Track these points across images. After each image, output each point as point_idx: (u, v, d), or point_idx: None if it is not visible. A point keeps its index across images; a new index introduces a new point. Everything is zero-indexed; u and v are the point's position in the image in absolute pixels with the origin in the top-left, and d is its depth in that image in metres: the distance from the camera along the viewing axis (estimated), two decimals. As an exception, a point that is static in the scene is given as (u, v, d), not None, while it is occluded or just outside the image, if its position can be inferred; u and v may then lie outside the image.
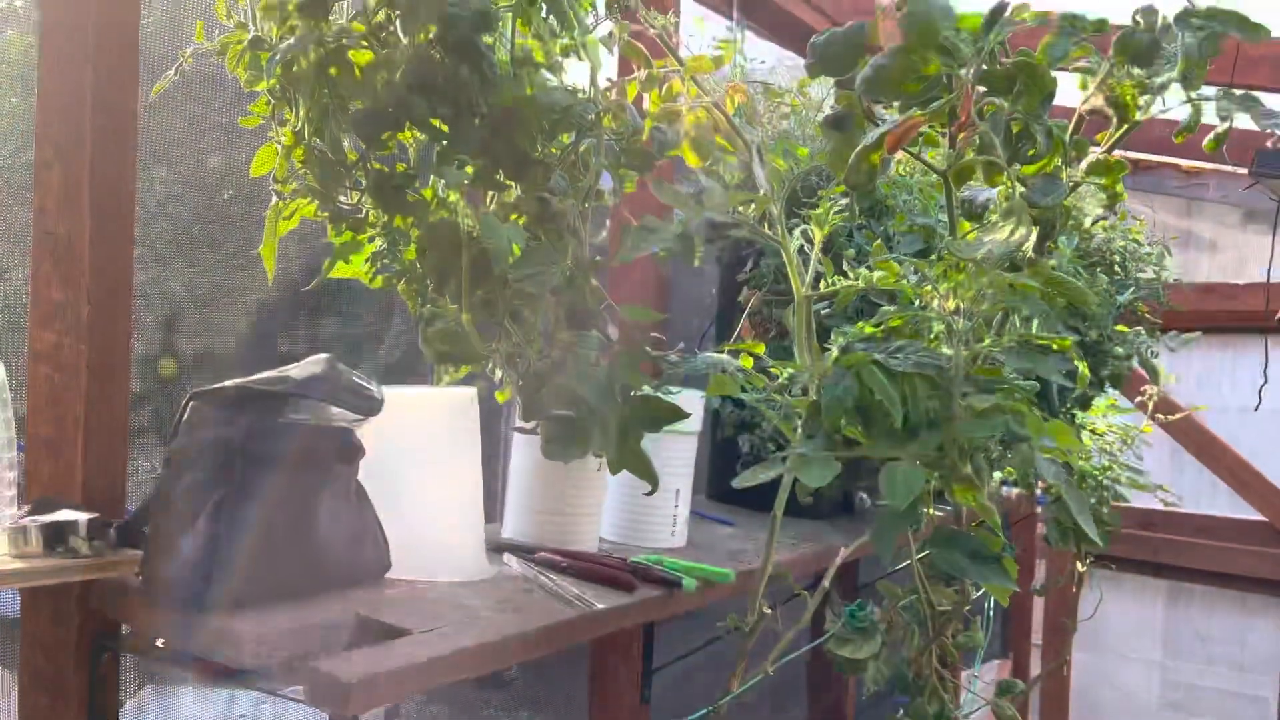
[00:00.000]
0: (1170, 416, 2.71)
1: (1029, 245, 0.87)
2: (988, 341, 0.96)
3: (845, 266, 1.47)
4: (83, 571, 0.90)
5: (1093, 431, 2.48)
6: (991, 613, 2.38)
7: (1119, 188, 0.94)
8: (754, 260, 1.66)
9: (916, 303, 1.05)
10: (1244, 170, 2.76)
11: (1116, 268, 2.21)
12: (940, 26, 0.74)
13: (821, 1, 2.35)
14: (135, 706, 1.42)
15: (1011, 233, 0.77)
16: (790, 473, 0.90)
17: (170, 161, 1.38)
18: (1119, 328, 2.16)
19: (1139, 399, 2.63)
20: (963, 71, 0.78)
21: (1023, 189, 0.85)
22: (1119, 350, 1.99)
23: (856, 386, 0.90)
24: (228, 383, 0.97)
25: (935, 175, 1.06)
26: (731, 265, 1.84)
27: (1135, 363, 2.14)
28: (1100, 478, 2.56)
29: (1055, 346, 0.93)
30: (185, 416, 0.95)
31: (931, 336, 0.98)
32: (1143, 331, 2.08)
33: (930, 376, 0.91)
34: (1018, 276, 0.91)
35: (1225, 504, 4.05)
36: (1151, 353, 2.14)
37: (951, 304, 0.93)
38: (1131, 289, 2.07)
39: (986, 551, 0.93)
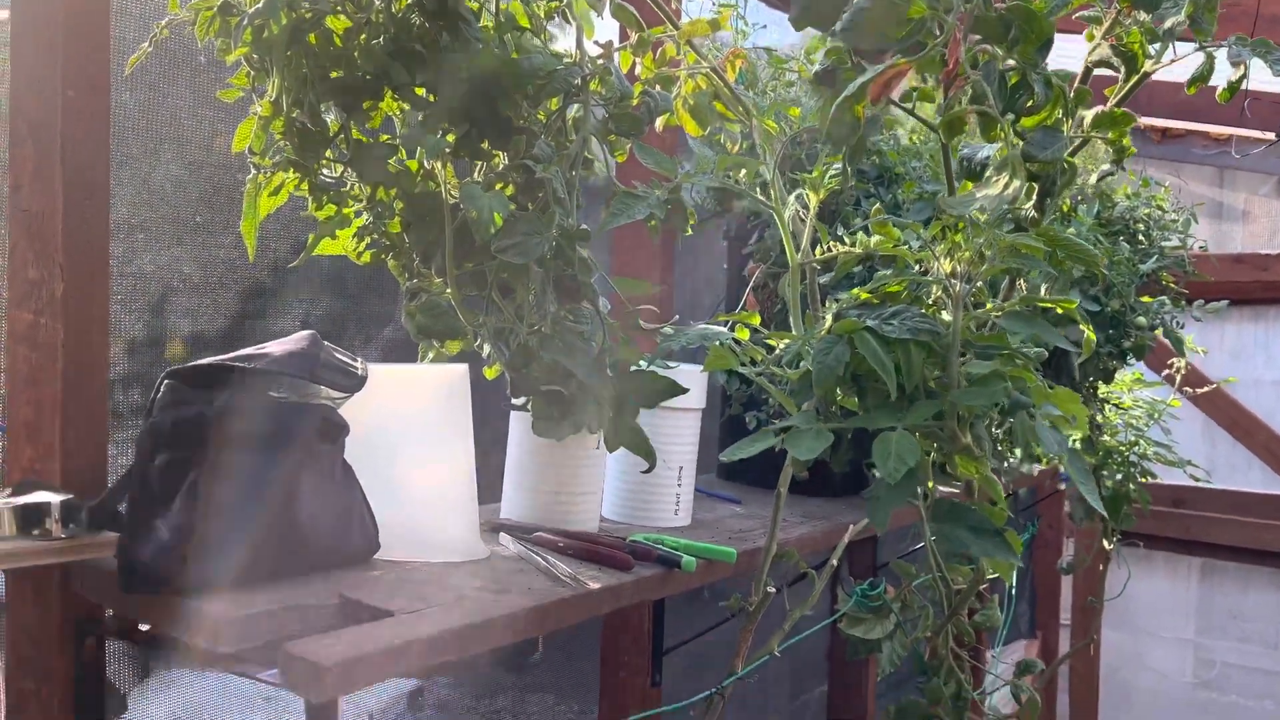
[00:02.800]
0: (1198, 390, 2.63)
1: (1028, 202, 0.82)
2: (989, 306, 0.92)
3: (845, 234, 1.42)
4: (56, 554, 0.88)
5: (1117, 405, 2.42)
6: (1014, 591, 2.33)
7: (1126, 141, 0.89)
8: (759, 233, 1.62)
9: (916, 268, 1.01)
10: (1270, 135, 2.68)
11: (1140, 236, 2.14)
12: (921, -35, 0.70)
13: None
14: (152, 687, 1.41)
15: (1005, 186, 0.73)
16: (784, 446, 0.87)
17: (160, 138, 1.36)
18: (1143, 298, 2.10)
19: (1166, 372, 2.56)
20: (949, 15, 0.73)
21: (1020, 143, 0.81)
22: (1141, 320, 1.93)
23: (849, 354, 0.86)
24: (204, 360, 0.94)
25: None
26: (740, 239, 1.80)
27: (1161, 334, 2.07)
28: (1126, 453, 2.50)
29: (1060, 309, 0.88)
30: (160, 395, 0.92)
31: (930, 302, 0.94)
32: (1167, 301, 2.01)
33: (927, 343, 0.87)
34: (1019, 237, 0.87)
35: (1259, 480, 3.96)
36: (1177, 323, 2.07)
37: (949, 266, 0.88)
38: (1155, 257, 2.00)
39: (989, 525, 0.89)
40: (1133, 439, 2.54)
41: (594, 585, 1.07)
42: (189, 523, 0.89)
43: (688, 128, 1.30)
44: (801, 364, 0.99)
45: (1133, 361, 2.13)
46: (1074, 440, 1.07)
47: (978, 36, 0.78)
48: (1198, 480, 2.68)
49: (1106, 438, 2.47)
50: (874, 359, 0.85)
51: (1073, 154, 0.88)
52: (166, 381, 0.92)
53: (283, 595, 0.92)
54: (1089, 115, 0.89)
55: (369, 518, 1.07)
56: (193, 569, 0.88)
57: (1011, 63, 0.79)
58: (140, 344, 1.30)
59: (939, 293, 0.93)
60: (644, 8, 1.22)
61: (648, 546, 1.20)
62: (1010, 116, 0.79)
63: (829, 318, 0.94)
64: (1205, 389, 2.64)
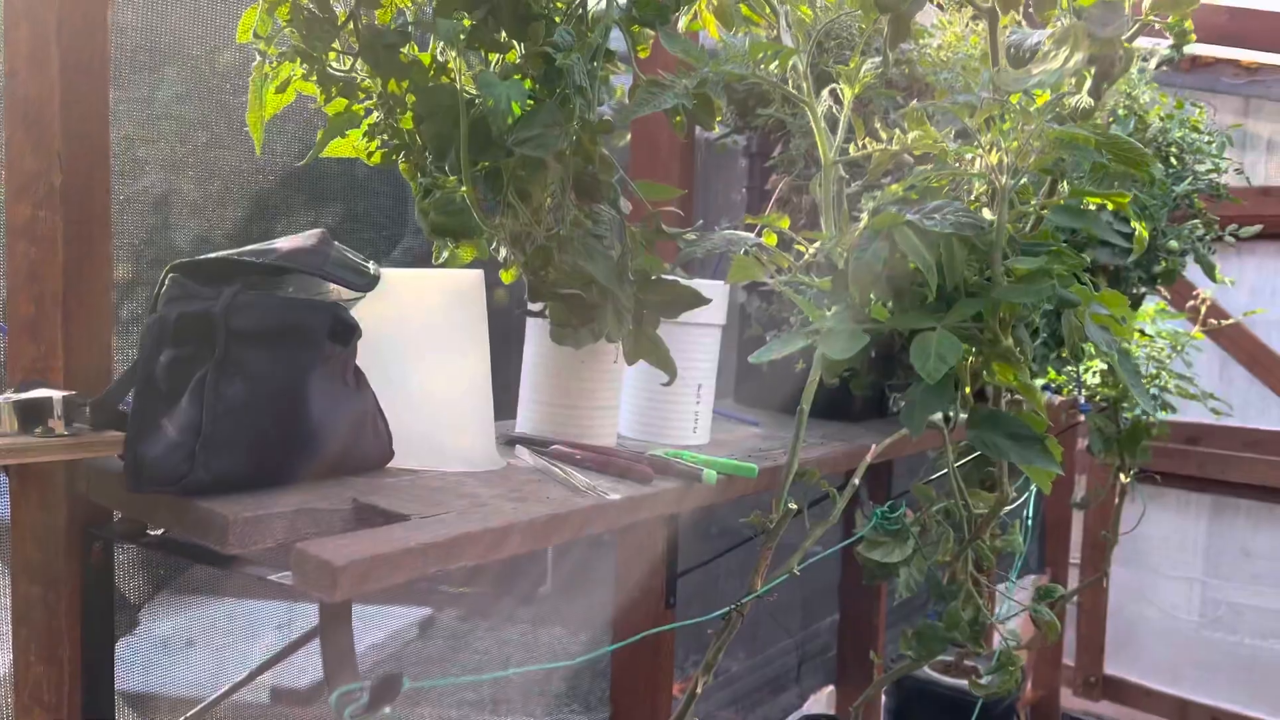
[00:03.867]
0: (1222, 322, 2.58)
1: (1085, 85, 0.77)
2: (1034, 203, 0.87)
3: (882, 130, 1.37)
4: (59, 451, 0.85)
5: (1141, 333, 2.37)
6: (1030, 521, 2.30)
7: (1188, 24, 0.84)
8: (784, 144, 1.56)
9: (957, 165, 0.96)
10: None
11: (1173, 159, 2.07)
12: None
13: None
14: (161, 608, 1.40)
15: (1066, 59, 0.68)
16: (815, 346, 0.83)
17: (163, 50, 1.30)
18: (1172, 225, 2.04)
19: (1190, 303, 2.51)
20: None
21: (1078, 20, 0.75)
22: (1174, 244, 1.87)
23: (887, 250, 0.82)
24: (209, 255, 0.90)
25: (980, 49, 0.95)
26: (762, 154, 1.74)
27: (1190, 259, 2.02)
28: (1148, 385, 2.46)
29: (1111, 205, 0.83)
30: (164, 289, 0.89)
31: (973, 199, 0.89)
32: (1199, 225, 1.96)
33: (970, 239, 0.82)
34: (1069, 127, 0.81)
35: (1277, 418, 3.91)
36: (1210, 249, 2.02)
37: (995, 158, 0.83)
38: (1189, 180, 1.94)
39: (1029, 432, 0.85)
40: (1154, 371, 2.50)
41: (613, 496, 1.04)
42: (196, 420, 0.85)
43: (711, 30, 1.24)
44: (836, 267, 0.94)
45: (1161, 288, 2.08)
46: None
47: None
48: (1219, 415, 2.65)
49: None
50: (915, 255, 0.80)
51: (1131, 39, 0.83)
52: (171, 275, 0.88)
53: (295, 498, 0.89)
54: (1149, -3, 0.83)
55: (383, 424, 1.03)
56: (201, 468, 0.85)
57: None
58: (143, 246, 1.26)
59: (981, 188, 0.88)
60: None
61: (668, 460, 1.16)
62: (1069, -12, 0.74)
63: (867, 214, 0.89)
64: (1229, 322, 2.58)
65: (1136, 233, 0.86)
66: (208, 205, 1.33)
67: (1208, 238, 2.00)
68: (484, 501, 0.97)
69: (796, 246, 1.03)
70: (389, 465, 1.05)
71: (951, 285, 0.83)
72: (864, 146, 0.97)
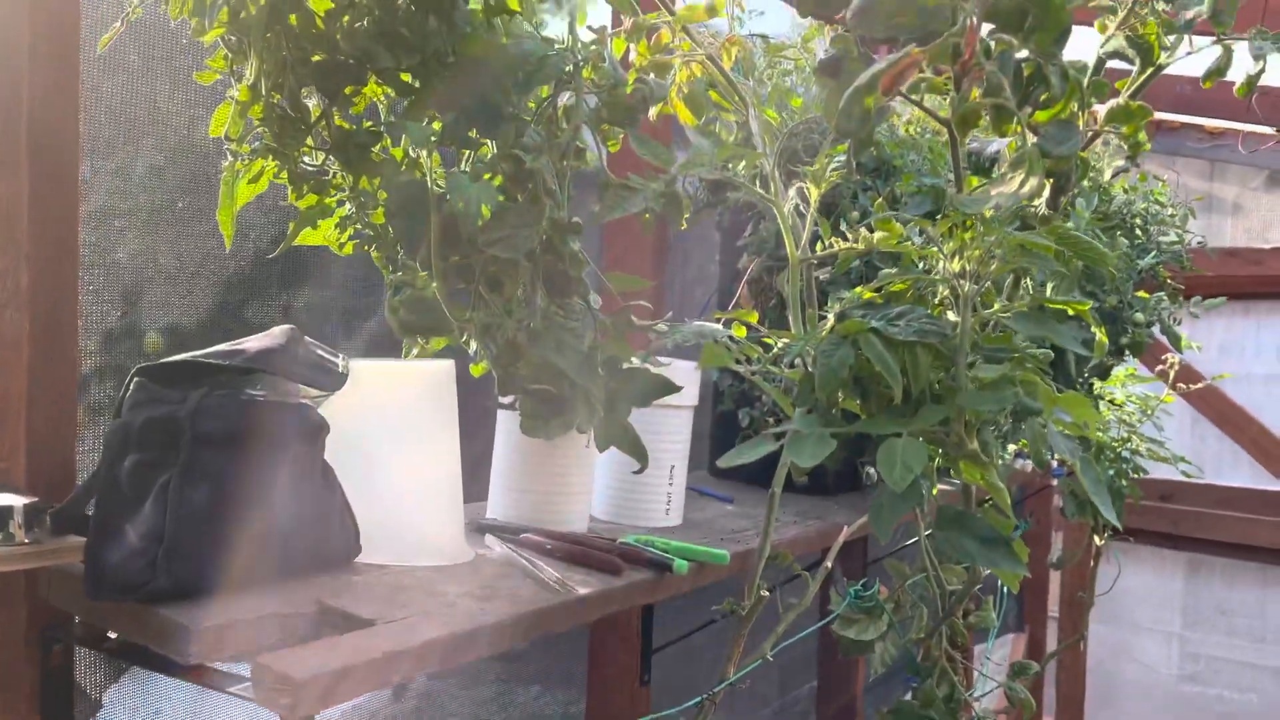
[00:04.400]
0: (1193, 386, 2.62)
1: (1042, 199, 0.79)
2: (997, 307, 0.89)
3: (847, 230, 1.38)
4: (20, 560, 0.84)
5: (1111, 402, 2.39)
6: (1005, 589, 2.31)
7: (1141, 136, 0.86)
8: (754, 224, 1.58)
9: (921, 265, 0.97)
10: (1270, 130, 2.65)
11: (1138, 230, 2.11)
12: (940, -52, 0.66)
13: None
14: (128, 686, 1.37)
15: (1022, 183, 0.69)
16: (784, 451, 0.83)
17: (137, 124, 1.31)
18: (1139, 294, 2.07)
19: (1159, 368, 2.54)
20: (966, 2, 0.70)
21: (1035, 137, 0.77)
22: (1139, 317, 1.90)
23: (853, 356, 0.83)
24: (176, 357, 0.90)
25: (944, 134, 0.98)
26: (733, 231, 1.76)
27: (1157, 330, 2.05)
28: (1119, 449, 2.48)
29: (1071, 311, 0.85)
30: (130, 392, 0.88)
31: (936, 302, 0.91)
32: (1165, 297, 1.99)
33: (934, 345, 0.83)
34: (1029, 235, 0.83)
35: (1248, 474, 3.95)
36: (1174, 320, 2.05)
37: (957, 265, 0.85)
38: (1153, 253, 1.98)
39: (995, 535, 0.86)
40: (1125, 435, 2.52)
41: (583, 590, 1.04)
42: (159, 527, 0.85)
43: (683, 116, 1.26)
44: (801, 363, 0.95)
45: (1130, 358, 2.10)
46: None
47: (992, 25, 0.75)
48: (1189, 476, 2.67)
49: (1100, 433, 2.45)
50: (880, 362, 0.81)
51: (1085, 148, 0.85)
52: (136, 378, 0.88)
53: (258, 603, 0.88)
54: (1103, 109, 0.86)
55: (350, 520, 1.03)
56: (163, 576, 0.84)
57: (1026, 53, 0.76)
58: (114, 335, 1.25)
59: (945, 292, 0.89)
60: (641, -4, 1.18)
61: (638, 549, 1.16)
62: (1025, 110, 0.76)
63: (832, 317, 0.90)
64: (1199, 385, 2.62)
65: (1096, 338, 0.88)
66: (180, 286, 1.32)
67: (1174, 309, 2.03)
68: (451, 601, 0.96)
69: (764, 340, 1.04)
70: (357, 560, 1.04)
71: (917, 390, 0.84)
72: (830, 245, 0.99)
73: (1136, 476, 2.45)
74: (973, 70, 0.71)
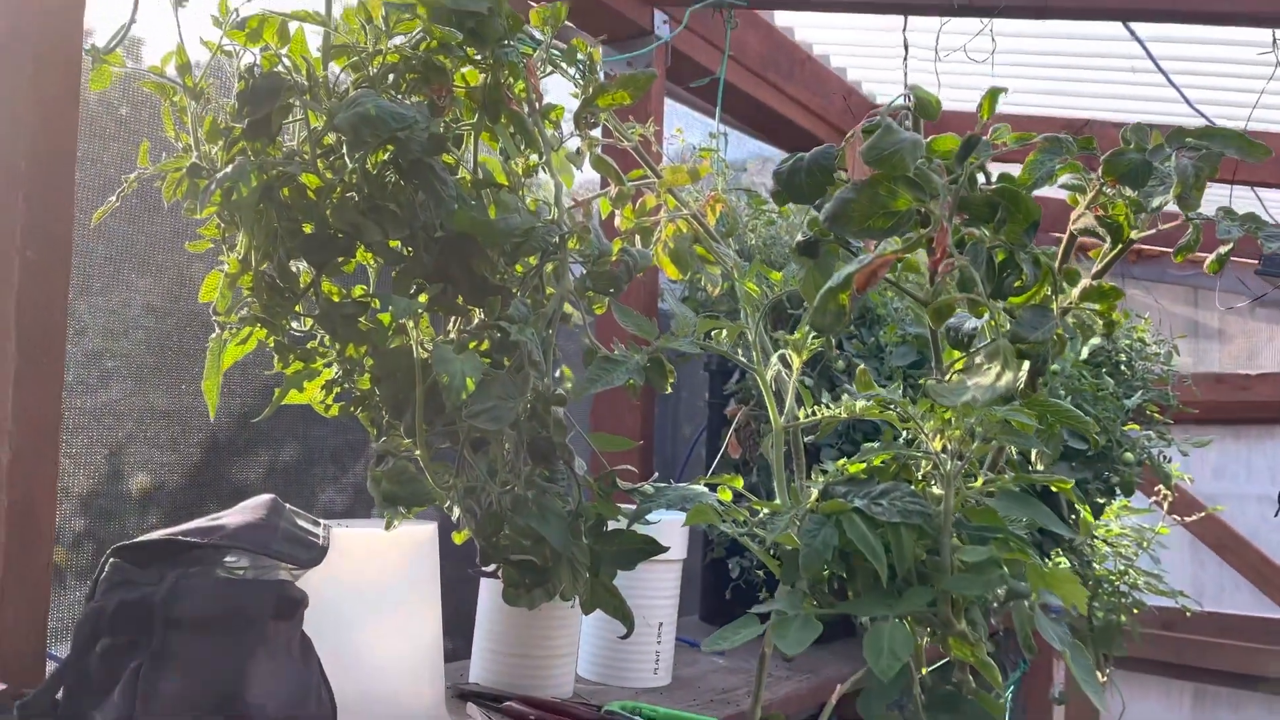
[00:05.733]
0: (1189, 518, 2.60)
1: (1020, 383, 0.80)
2: (980, 483, 0.88)
3: (833, 380, 1.39)
4: (-20, 754, 0.81)
5: (1105, 537, 2.37)
6: (1009, 714, 2.24)
7: (1116, 315, 0.87)
8: (740, 372, 1.59)
9: (904, 434, 0.97)
10: (1250, 261, 2.70)
11: (1123, 367, 2.13)
12: (908, 161, 0.68)
13: (809, 100, 2.33)
14: None
15: (998, 375, 0.70)
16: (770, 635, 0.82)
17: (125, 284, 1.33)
18: (1130, 425, 2.07)
19: (1154, 499, 2.53)
20: (936, 204, 0.72)
21: (1008, 322, 0.79)
22: (1129, 456, 1.90)
23: (837, 537, 0.82)
24: (153, 535, 0.89)
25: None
26: (721, 372, 1.77)
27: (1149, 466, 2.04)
28: (1116, 582, 2.45)
29: (1055, 489, 0.85)
30: (104, 574, 0.87)
31: (920, 477, 0.90)
32: (1153, 435, 1.99)
33: (918, 525, 0.83)
34: (1010, 411, 0.83)
35: (1248, 600, 3.89)
36: (1164, 457, 2.05)
37: (939, 444, 0.85)
38: (1140, 391, 1.99)
39: (987, 717, 0.84)
40: (1122, 568, 2.49)
41: (566, 769, 1.00)
42: (127, 715, 0.82)
43: (668, 272, 1.28)
44: (785, 529, 0.94)
45: (1120, 495, 2.09)
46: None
47: (963, 217, 0.77)
48: (1188, 612, 2.63)
49: (1095, 567, 2.42)
50: (863, 543, 0.81)
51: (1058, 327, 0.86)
52: (112, 560, 0.86)
53: (228, 793, 0.85)
54: (1076, 289, 0.87)
55: (327, 694, 1.00)
56: (129, 768, 0.81)
57: (997, 242, 0.78)
58: (91, 497, 1.24)
59: (928, 467, 0.89)
60: (622, 155, 1.21)
61: (625, 718, 1.13)
62: (998, 301, 0.77)
63: (815, 491, 0.90)
64: (1195, 517, 2.60)
65: (1081, 516, 0.87)
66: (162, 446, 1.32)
67: (1163, 445, 2.03)
68: (429, 786, 0.93)
69: (751, 505, 1.04)
70: (333, 737, 1.01)
71: (903, 570, 0.83)
72: (814, 413, 0.99)
73: (1136, 612, 2.41)
74: (945, 262, 0.72)
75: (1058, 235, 0.98)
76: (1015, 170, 0.90)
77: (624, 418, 1.66)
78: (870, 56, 2.50)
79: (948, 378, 0.93)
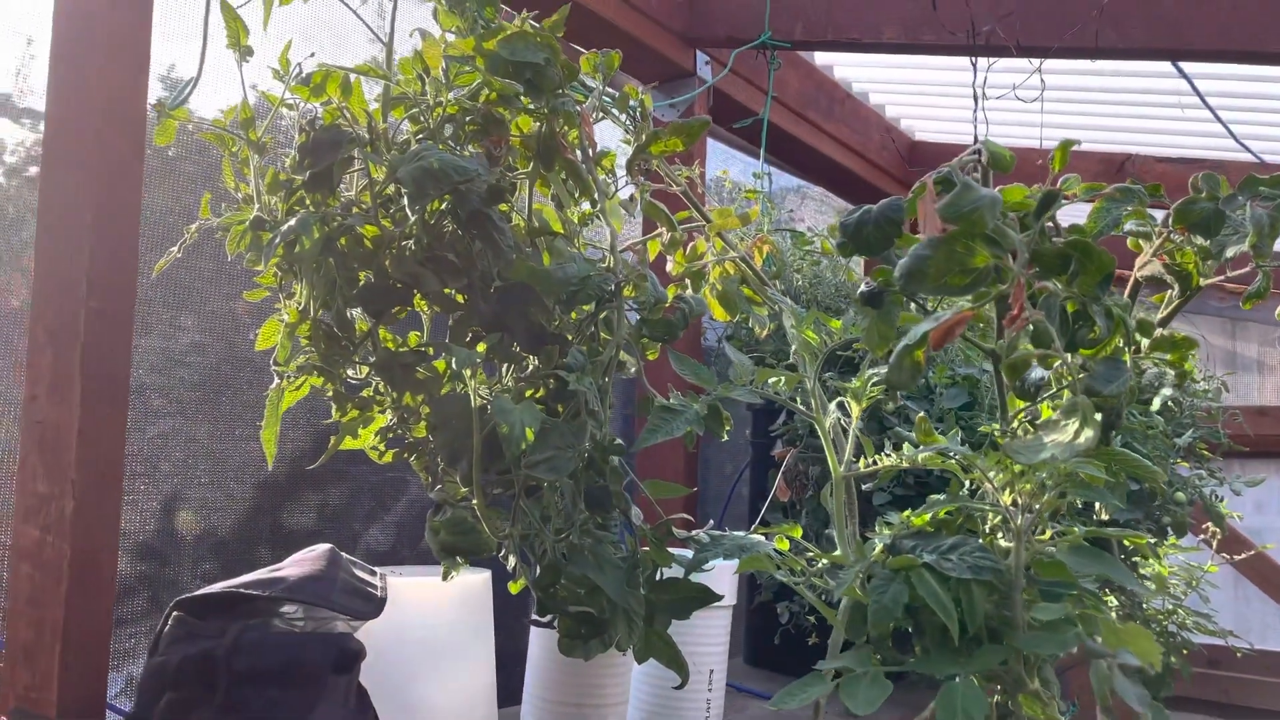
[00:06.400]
0: (1238, 556, 2.55)
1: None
2: (1048, 535, 0.87)
3: (882, 422, 1.37)
4: (45, 810, 0.81)
5: (1156, 578, 2.33)
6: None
7: (1188, 365, 0.86)
8: (787, 413, 1.58)
9: (967, 484, 0.96)
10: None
11: (1170, 403, 2.10)
12: (988, 219, 0.67)
13: (849, 138, 2.33)
14: None
15: (1077, 434, 0.69)
16: (839, 696, 0.80)
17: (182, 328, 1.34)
18: (1179, 462, 2.04)
19: (1202, 537, 2.48)
20: (1011, 261, 0.71)
21: (1082, 374, 0.77)
22: (1180, 496, 1.86)
23: (907, 594, 0.81)
24: (214, 588, 0.89)
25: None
26: (765, 411, 1.76)
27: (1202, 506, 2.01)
28: (1165, 622, 2.40)
29: (1129, 543, 0.83)
30: (168, 628, 0.87)
31: (988, 530, 0.89)
32: (1205, 474, 1.96)
33: (988, 581, 0.81)
34: (1080, 463, 0.82)
35: (1296, 638, 3.81)
36: (1215, 496, 2.01)
37: (1008, 498, 0.83)
38: (1190, 429, 1.96)
39: (1060, 780, 0.82)
40: (1170, 607, 2.44)
41: (624, 825, 0.99)
42: (192, 771, 0.82)
43: (716, 314, 1.27)
44: (851, 583, 0.93)
45: (1171, 535, 2.05)
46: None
47: (1035, 269, 0.76)
48: (1238, 653, 2.57)
49: (1145, 607, 2.38)
50: (934, 601, 0.79)
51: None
52: (174, 614, 0.86)
53: None
54: (1147, 339, 0.86)
55: (383, 746, 0.99)
56: (192, 825, 0.81)
57: (1070, 294, 0.77)
58: (150, 538, 1.25)
59: (995, 519, 0.88)
60: (672, 199, 1.21)
61: (679, 771, 1.11)
62: (1071, 354, 0.76)
63: (880, 545, 0.89)
64: (1245, 555, 2.55)
65: (1155, 570, 0.86)
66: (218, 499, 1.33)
67: (1214, 484, 1.99)
68: (488, 843, 0.92)
69: (809, 554, 1.02)
70: (388, 790, 1.00)
71: (973, 627, 0.81)
72: (874, 461, 0.98)
73: (1186, 652, 2.37)
74: (1019, 320, 0.71)
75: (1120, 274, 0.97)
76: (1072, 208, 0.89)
77: (671, 460, 1.65)
78: (910, 94, 2.50)
79: (1013, 425, 0.91)
